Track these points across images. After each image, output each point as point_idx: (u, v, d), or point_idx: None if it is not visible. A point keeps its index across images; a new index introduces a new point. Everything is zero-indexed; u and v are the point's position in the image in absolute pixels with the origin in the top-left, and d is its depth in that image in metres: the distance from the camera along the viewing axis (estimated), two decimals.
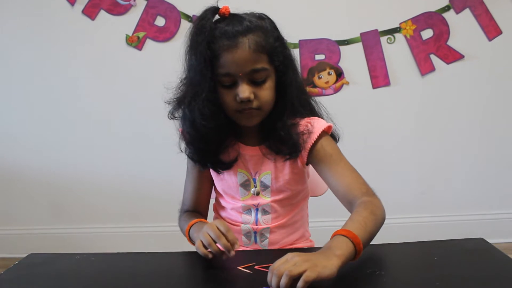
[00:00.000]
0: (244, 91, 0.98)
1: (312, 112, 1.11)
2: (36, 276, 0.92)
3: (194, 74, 1.00)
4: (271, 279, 0.77)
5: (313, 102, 1.12)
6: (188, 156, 1.11)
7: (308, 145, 1.05)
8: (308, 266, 0.75)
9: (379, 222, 0.94)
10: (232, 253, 0.90)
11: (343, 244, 0.83)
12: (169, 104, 1.07)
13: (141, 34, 2.39)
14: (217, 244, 0.92)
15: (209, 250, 0.93)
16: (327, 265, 0.77)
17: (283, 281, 0.74)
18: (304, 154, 1.06)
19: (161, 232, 2.41)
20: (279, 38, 1.03)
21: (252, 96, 0.99)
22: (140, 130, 2.46)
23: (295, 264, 0.76)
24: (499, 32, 2.33)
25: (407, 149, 2.45)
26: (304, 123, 1.07)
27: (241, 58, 0.96)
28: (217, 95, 1.00)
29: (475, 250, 0.95)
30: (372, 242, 0.97)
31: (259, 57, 0.98)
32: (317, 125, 1.06)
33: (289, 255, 0.79)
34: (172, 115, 1.08)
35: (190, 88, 1.01)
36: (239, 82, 0.98)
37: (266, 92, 1.01)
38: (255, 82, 0.99)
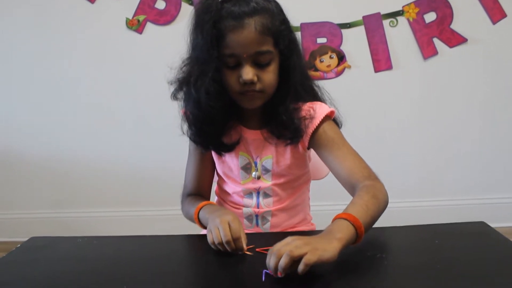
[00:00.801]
0: (248, 73, 0.97)
1: (315, 97, 1.10)
2: (38, 259, 0.93)
3: (200, 53, 0.99)
4: (270, 260, 0.76)
5: (316, 87, 1.12)
6: (190, 138, 1.10)
7: (310, 130, 1.05)
8: (309, 249, 0.75)
9: (382, 205, 0.93)
10: (238, 252, 0.90)
11: (344, 227, 0.82)
12: (171, 84, 1.07)
13: (141, 18, 2.37)
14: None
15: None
16: (328, 249, 0.76)
17: (283, 261, 0.74)
18: (306, 138, 1.06)
19: (162, 216, 2.42)
20: (284, 21, 1.03)
21: (255, 78, 0.98)
22: (141, 113, 2.46)
23: (296, 246, 0.76)
24: (503, 15, 2.30)
25: (409, 133, 2.45)
26: (307, 108, 1.06)
27: (247, 40, 0.96)
28: (222, 75, 1.00)
29: (476, 233, 0.95)
30: (373, 226, 0.97)
31: (265, 39, 0.97)
32: (320, 110, 1.06)
33: (289, 238, 0.79)
34: (174, 96, 1.07)
35: (196, 67, 1.01)
36: (243, 64, 0.98)
37: (270, 75, 1.00)
38: (259, 65, 0.99)
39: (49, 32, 2.40)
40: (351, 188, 1.00)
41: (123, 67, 2.42)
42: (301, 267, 0.73)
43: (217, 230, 0.91)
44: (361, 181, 0.97)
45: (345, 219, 0.84)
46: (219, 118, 1.04)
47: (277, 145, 1.08)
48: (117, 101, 2.46)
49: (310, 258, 0.74)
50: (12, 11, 2.39)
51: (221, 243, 0.89)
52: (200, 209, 1.05)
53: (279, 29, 1.00)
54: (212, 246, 0.92)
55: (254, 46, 0.96)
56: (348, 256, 0.88)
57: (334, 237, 0.79)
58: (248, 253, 0.90)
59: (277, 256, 0.75)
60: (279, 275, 0.75)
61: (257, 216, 1.14)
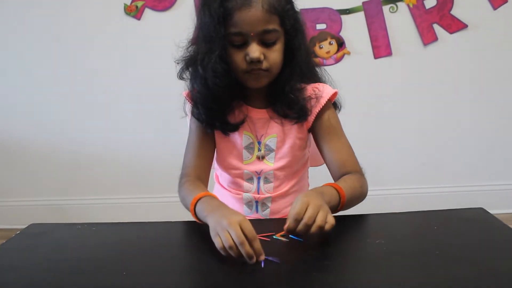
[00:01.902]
0: (255, 51, 0.99)
1: (318, 78, 1.13)
2: (38, 246, 0.93)
3: (207, 31, 1.00)
4: (301, 229, 0.81)
5: (318, 69, 1.14)
6: (195, 117, 1.10)
7: (316, 110, 1.08)
8: (325, 214, 0.83)
9: (361, 198, 1.04)
10: (253, 260, 0.78)
11: (333, 196, 0.94)
12: (178, 63, 1.08)
13: (139, 3, 2.34)
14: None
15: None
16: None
17: (314, 229, 0.81)
18: (311, 118, 1.09)
19: (161, 203, 2.42)
20: (290, 1, 1.04)
21: (262, 57, 1.00)
22: (140, 100, 2.45)
23: (318, 213, 0.82)
24: (504, 0, 2.28)
25: (408, 119, 2.44)
26: (311, 89, 1.09)
27: (254, 18, 0.97)
28: (229, 54, 1.01)
29: (475, 219, 0.95)
30: (373, 212, 0.98)
31: (271, 18, 0.99)
32: (325, 90, 1.09)
33: (307, 203, 0.83)
34: (180, 76, 1.09)
35: (203, 45, 1.02)
36: (250, 42, 0.99)
37: (276, 54, 1.02)
38: (266, 44, 1.00)
39: (46, 18, 2.39)
40: (339, 178, 1.06)
41: (121, 53, 2.40)
42: (328, 227, 0.83)
43: (226, 233, 0.79)
44: (352, 173, 1.06)
45: (337, 190, 0.95)
46: (225, 96, 1.05)
47: (283, 125, 1.10)
48: (116, 89, 2.45)
49: (331, 224, 0.83)
50: None
51: (233, 246, 0.78)
52: (197, 201, 0.96)
53: (285, 8, 1.01)
54: (222, 252, 0.80)
55: (261, 25, 0.98)
56: (347, 242, 0.89)
57: (324, 200, 0.88)
58: (271, 259, 0.79)
59: (308, 226, 0.81)
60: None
61: (257, 202, 1.15)
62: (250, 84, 1.05)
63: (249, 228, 0.79)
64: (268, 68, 1.02)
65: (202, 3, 1.02)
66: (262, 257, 0.78)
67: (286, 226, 0.83)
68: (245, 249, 0.77)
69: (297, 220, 0.82)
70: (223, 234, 0.80)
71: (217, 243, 0.81)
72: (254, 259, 0.78)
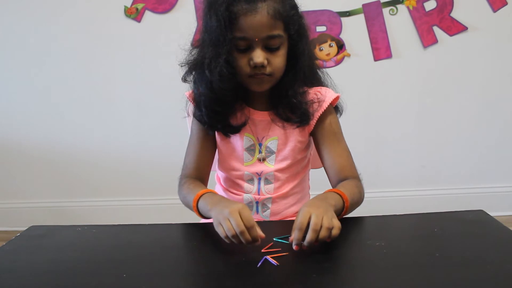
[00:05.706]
0: (259, 56, 1.00)
1: (320, 82, 1.14)
2: (38, 248, 0.93)
3: (214, 35, 1.01)
4: (310, 235, 0.80)
5: (320, 72, 1.15)
6: (197, 119, 1.11)
7: (318, 114, 1.09)
8: (331, 218, 0.83)
9: (359, 203, 1.04)
10: (255, 244, 0.84)
11: (337, 200, 0.94)
12: (182, 66, 1.09)
13: (140, 6, 2.35)
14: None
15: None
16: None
17: (324, 233, 0.81)
18: (313, 122, 1.10)
19: (161, 205, 2.43)
20: (295, 6, 1.05)
21: (266, 62, 1.01)
22: (140, 103, 2.44)
23: (322, 218, 0.82)
24: (504, 3, 2.29)
25: (408, 122, 2.44)
26: (313, 92, 1.10)
27: (259, 23, 0.98)
28: (233, 58, 1.02)
29: (475, 221, 0.96)
30: (373, 214, 0.98)
31: (276, 23, 1.00)
32: (327, 94, 1.10)
33: (310, 212, 0.83)
34: (184, 79, 1.10)
35: (210, 49, 1.02)
36: (254, 47, 1.00)
37: (279, 59, 1.03)
38: (270, 49, 1.01)
39: (45, 19, 2.38)
40: (337, 183, 1.08)
41: (121, 55, 2.40)
42: (336, 232, 0.83)
43: (228, 222, 0.84)
44: (350, 178, 1.07)
45: (340, 194, 0.95)
46: (229, 99, 1.06)
47: (285, 128, 1.11)
48: (116, 91, 2.45)
49: (338, 228, 0.83)
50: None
51: (235, 235, 0.83)
52: (199, 198, 1.01)
53: (290, 13, 1.02)
54: (226, 240, 0.86)
55: (266, 30, 0.99)
56: (347, 244, 0.89)
57: (329, 204, 0.90)
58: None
59: (315, 231, 0.80)
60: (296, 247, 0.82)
61: (257, 203, 1.15)
62: (253, 88, 1.06)
63: (248, 216, 0.84)
64: (271, 73, 1.03)
65: (208, 6, 1.02)
66: (259, 242, 0.84)
67: (291, 238, 0.82)
68: (245, 237, 0.83)
69: (302, 230, 0.81)
70: (225, 223, 0.85)
71: (220, 232, 0.87)
72: (254, 244, 0.84)
